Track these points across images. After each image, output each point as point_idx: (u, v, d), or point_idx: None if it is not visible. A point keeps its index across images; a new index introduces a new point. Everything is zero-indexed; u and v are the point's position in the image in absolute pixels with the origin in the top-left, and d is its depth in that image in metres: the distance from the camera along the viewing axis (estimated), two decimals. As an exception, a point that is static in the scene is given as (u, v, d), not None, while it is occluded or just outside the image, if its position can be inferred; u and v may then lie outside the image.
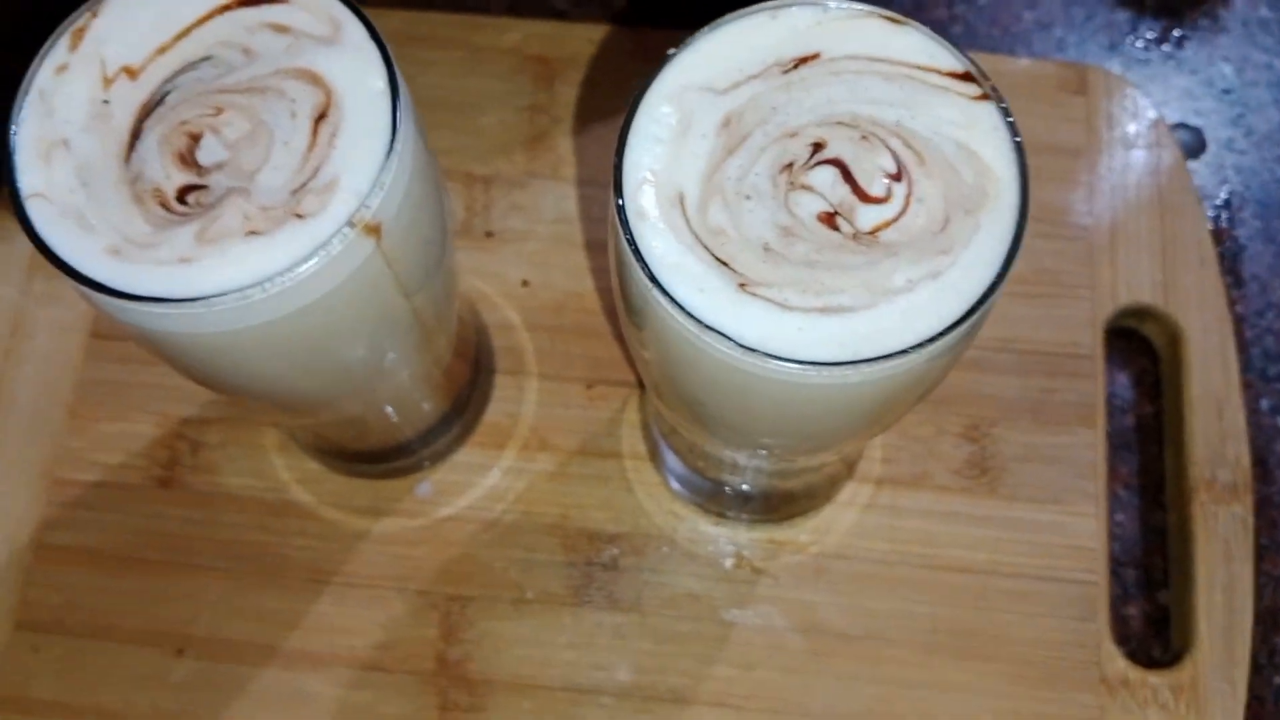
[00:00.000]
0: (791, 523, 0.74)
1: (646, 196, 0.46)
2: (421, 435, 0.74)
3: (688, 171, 0.46)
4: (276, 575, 0.74)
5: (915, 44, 0.47)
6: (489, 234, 0.81)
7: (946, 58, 0.47)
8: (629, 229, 0.45)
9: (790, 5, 0.48)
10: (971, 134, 0.46)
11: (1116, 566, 0.76)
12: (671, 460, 0.74)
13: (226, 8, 0.49)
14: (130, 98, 0.48)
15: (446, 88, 0.85)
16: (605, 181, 0.83)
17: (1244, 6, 0.91)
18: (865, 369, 0.43)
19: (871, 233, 0.45)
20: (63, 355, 0.79)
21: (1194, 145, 0.86)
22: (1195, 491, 0.73)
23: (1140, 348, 0.81)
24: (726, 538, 0.74)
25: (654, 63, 0.85)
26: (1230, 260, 0.83)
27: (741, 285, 0.44)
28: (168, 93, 0.48)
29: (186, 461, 0.77)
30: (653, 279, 0.44)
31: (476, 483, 0.76)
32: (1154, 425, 0.79)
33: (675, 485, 0.75)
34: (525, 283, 0.80)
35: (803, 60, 0.48)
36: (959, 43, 0.89)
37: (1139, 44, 0.89)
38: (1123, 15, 0.90)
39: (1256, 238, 0.84)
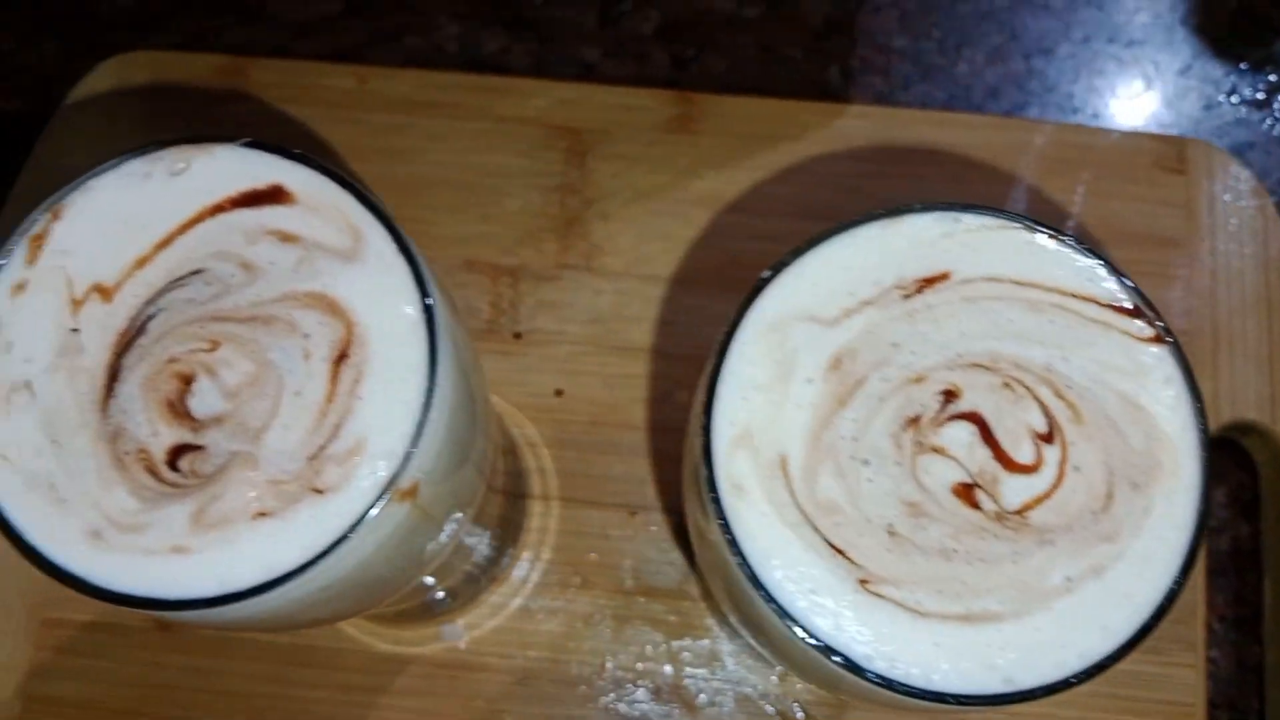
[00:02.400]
0: (859, 672, 0.67)
1: (741, 463, 0.37)
2: (455, 586, 0.66)
3: (791, 428, 0.38)
4: (291, 733, 0.67)
5: (1068, 265, 0.39)
6: (517, 335, 0.73)
7: (1108, 284, 0.38)
8: (722, 509, 0.37)
9: (909, 212, 0.39)
10: (1140, 385, 0.38)
11: (1211, 709, 0.69)
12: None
13: (219, 209, 0.40)
14: (105, 325, 0.39)
15: (466, 165, 0.75)
16: (645, 275, 0.76)
17: (1356, 57, 0.81)
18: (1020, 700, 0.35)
19: (1019, 512, 0.37)
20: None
21: (1301, 223, 0.77)
22: (1301, 633, 0.66)
23: (1238, 459, 0.73)
24: (790, 694, 0.66)
25: (695, 134, 0.77)
26: (1340, 357, 0.75)
27: (862, 582, 0.36)
28: (151, 317, 0.39)
29: (186, 601, 0.69)
30: (753, 579, 0.36)
31: (508, 626, 0.68)
32: (1251, 549, 0.72)
33: (731, 632, 0.67)
34: (558, 392, 0.72)
35: (928, 282, 0.39)
36: (1037, 102, 0.80)
37: (1239, 103, 0.80)
38: (1220, 70, 0.81)
39: (1369, 330, 0.75)
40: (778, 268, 0.39)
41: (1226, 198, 0.73)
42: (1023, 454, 0.37)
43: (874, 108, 0.77)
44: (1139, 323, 0.38)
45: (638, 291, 0.73)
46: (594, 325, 0.73)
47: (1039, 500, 0.37)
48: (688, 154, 0.76)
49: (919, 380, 0.38)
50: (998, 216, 0.39)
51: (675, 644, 0.68)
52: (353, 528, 0.37)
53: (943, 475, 0.37)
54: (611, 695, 0.67)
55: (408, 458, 0.37)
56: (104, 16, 0.84)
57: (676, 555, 0.69)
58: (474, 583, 0.68)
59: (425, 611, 0.68)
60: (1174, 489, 0.36)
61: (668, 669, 0.67)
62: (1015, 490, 0.37)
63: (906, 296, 0.39)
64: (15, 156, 0.78)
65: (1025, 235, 0.39)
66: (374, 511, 0.37)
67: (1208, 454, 0.36)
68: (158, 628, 0.69)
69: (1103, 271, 0.38)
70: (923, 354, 0.38)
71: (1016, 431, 0.37)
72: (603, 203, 0.75)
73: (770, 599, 0.35)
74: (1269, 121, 0.79)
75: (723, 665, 0.67)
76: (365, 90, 0.77)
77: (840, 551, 0.36)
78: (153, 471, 0.38)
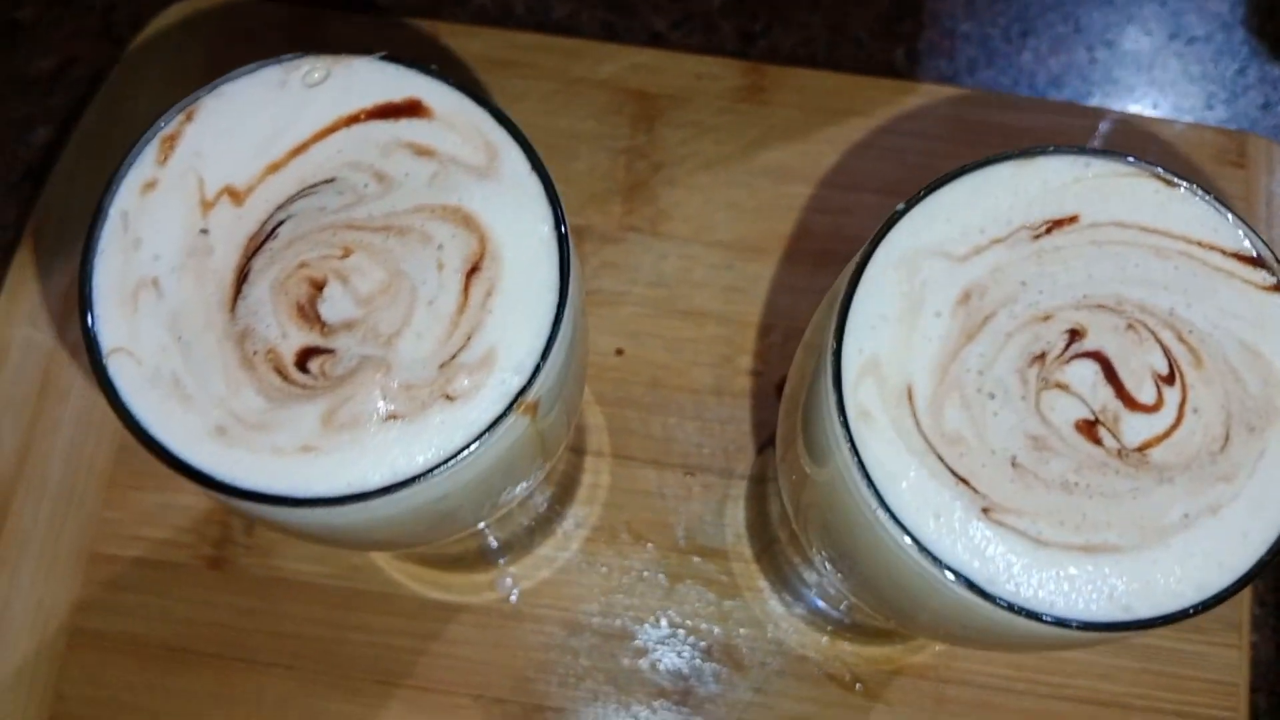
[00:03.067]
0: (911, 642, 0.67)
1: (869, 390, 0.38)
2: (509, 536, 0.66)
3: (919, 358, 0.38)
4: (343, 676, 0.67)
5: (1195, 214, 0.39)
6: (579, 294, 0.73)
7: (1232, 234, 0.39)
8: (849, 433, 0.37)
9: (1042, 154, 0.40)
10: (1261, 333, 0.38)
11: (1250, 691, 0.70)
12: (785, 569, 0.67)
13: (354, 119, 0.40)
14: (235, 228, 0.40)
15: (535, 126, 0.74)
16: (710, 241, 0.76)
17: None
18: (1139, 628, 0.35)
19: (1140, 449, 0.38)
20: (99, 415, 0.70)
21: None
22: (1349, 624, 0.67)
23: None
24: (838, 655, 0.67)
25: (765, 105, 0.77)
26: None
27: (985, 511, 0.37)
28: (281, 223, 0.40)
29: (240, 540, 0.69)
30: (881, 501, 0.36)
31: (560, 580, 0.68)
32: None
33: (785, 595, 0.68)
34: (619, 351, 0.72)
35: (1057, 224, 0.40)
36: (1099, 91, 0.81)
37: (1295, 102, 0.81)
38: (1277, 71, 0.82)
39: None
40: (911, 203, 0.39)
41: (1286, 193, 0.74)
42: (1145, 394, 0.38)
43: (943, 87, 0.77)
44: (1262, 272, 0.39)
45: (702, 257, 0.74)
46: (657, 288, 0.73)
47: (1159, 439, 0.38)
48: (757, 125, 0.76)
49: (1046, 319, 0.39)
50: (1128, 163, 0.39)
51: (727, 604, 0.68)
52: (482, 434, 0.37)
53: (1066, 411, 0.38)
54: (660, 651, 0.67)
55: (536, 371, 0.38)
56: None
57: (730, 517, 0.70)
58: (527, 534, 0.68)
59: (478, 561, 0.68)
60: (1292, 433, 0.37)
61: (717, 629, 0.68)
62: (1136, 429, 0.38)
63: (1036, 237, 0.39)
64: (82, 98, 0.78)
65: (1154, 184, 0.39)
66: (505, 421, 0.37)
67: (1327, 401, 0.37)
68: (209, 565, 0.69)
69: (1228, 222, 0.39)
70: (1050, 293, 0.39)
71: (1139, 372, 0.38)
72: (670, 168, 0.75)
73: (898, 521, 0.36)
74: (1326, 123, 0.81)
75: (775, 626, 0.67)
76: (437, 47, 0.78)
77: (964, 480, 0.37)
78: (281, 372, 0.38)
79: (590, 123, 0.76)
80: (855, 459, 0.37)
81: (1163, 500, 0.37)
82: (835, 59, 0.82)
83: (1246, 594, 0.68)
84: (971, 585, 0.35)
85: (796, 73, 0.77)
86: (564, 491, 0.69)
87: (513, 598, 0.68)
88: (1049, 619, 0.35)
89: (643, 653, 0.67)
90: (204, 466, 0.37)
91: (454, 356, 0.38)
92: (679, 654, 0.67)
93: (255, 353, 0.38)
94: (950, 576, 0.36)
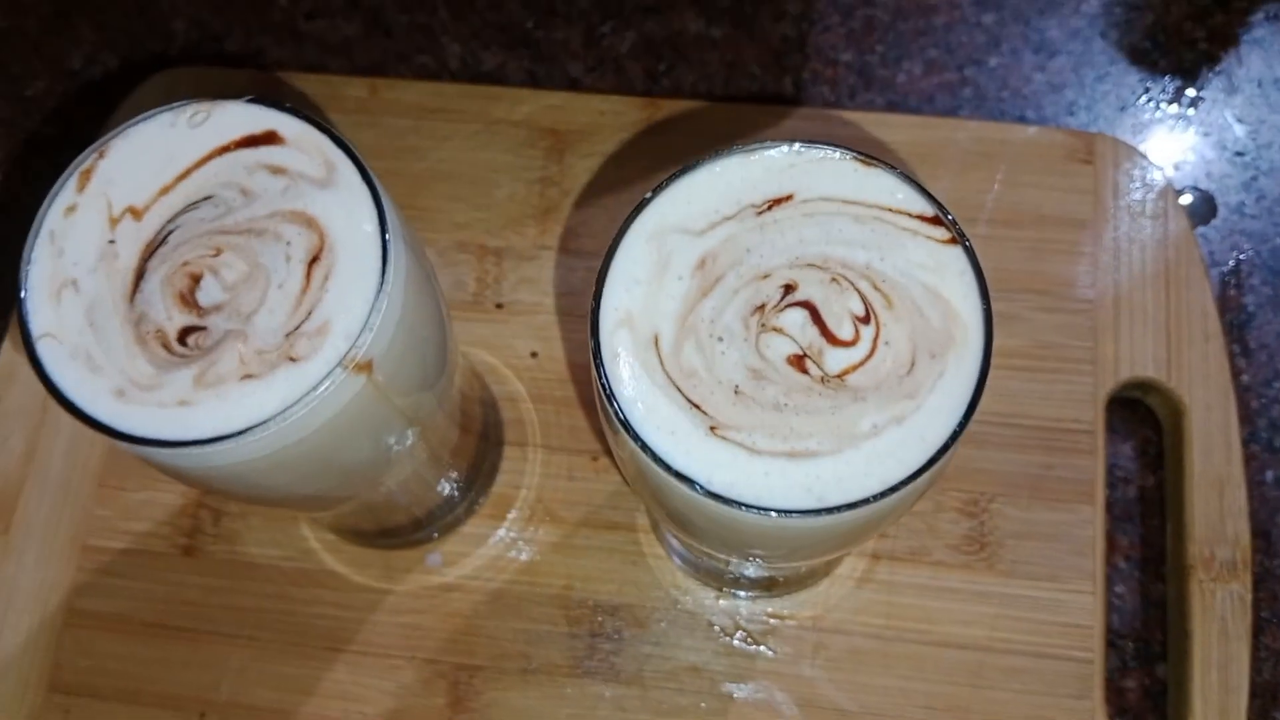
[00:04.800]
0: (791, 596, 0.75)
1: (622, 338, 0.47)
2: (432, 511, 0.76)
3: (664, 312, 0.48)
4: (296, 643, 0.77)
5: (886, 185, 0.48)
6: (499, 305, 0.83)
7: (917, 200, 0.48)
8: (603, 370, 0.47)
9: (765, 147, 0.49)
10: (940, 277, 0.47)
11: (1115, 639, 0.76)
12: (672, 538, 0.76)
13: (226, 149, 0.52)
14: (135, 237, 0.51)
15: (463, 161, 0.87)
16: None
17: (1260, 66, 0.90)
18: (830, 514, 0.44)
19: (839, 376, 0.46)
20: (92, 426, 0.82)
21: (1204, 210, 0.86)
22: (1193, 569, 0.74)
23: (1145, 417, 0.81)
24: (727, 611, 0.75)
25: (660, 134, 0.88)
26: (1238, 329, 0.83)
27: (712, 429, 0.46)
28: (171, 232, 0.51)
29: (209, 530, 0.80)
30: (624, 423, 0.46)
31: (484, 554, 0.78)
32: (1156, 496, 0.79)
33: (677, 560, 0.76)
34: (534, 354, 0.82)
35: (776, 201, 0.49)
36: (969, 106, 0.90)
37: (1151, 105, 0.89)
38: (1135, 76, 0.90)
39: (1266, 305, 0.83)
40: (657, 190, 0.49)
41: (1131, 184, 0.82)
42: (844, 332, 0.47)
43: (818, 110, 0.87)
44: (940, 229, 0.48)
45: (606, 268, 0.84)
46: (566, 297, 0.83)
47: (855, 367, 0.46)
48: (653, 152, 0.87)
49: (765, 277, 0.48)
50: (832, 149, 0.49)
51: (629, 569, 0.77)
52: (316, 385, 0.47)
53: (780, 349, 0.47)
54: (574, 612, 0.76)
55: (361, 335, 0.48)
56: (160, 36, 0.97)
57: (631, 497, 0.79)
58: (453, 514, 0.78)
59: (411, 540, 0.78)
60: (963, 356, 0.46)
61: (622, 591, 0.76)
62: (837, 360, 0.46)
63: (759, 213, 0.49)
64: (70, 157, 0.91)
65: (853, 164, 0.49)
66: (334, 374, 0.47)
67: (989, 328, 0.46)
68: (183, 553, 0.79)
69: (913, 191, 0.48)
70: (769, 257, 0.48)
71: (840, 315, 0.47)
72: (577, 193, 0.86)
73: (637, 438, 0.45)
74: (1177, 120, 0.88)
75: (674, 586, 0.76)
76: (378, 99, 0.89)
77: (696, 406, 0.46)
78: (166, 346, 0.49)
79: (508, 156, 0.87)
80: (607, 392, 0.46)
81: (856, 414, 0.46)
82: (732, 90, 0.92)
83: (1098, 544, 0.75)
84: (697, 485, 0.44)
85: (687, 105, 0.87)
86: (485, 475, 0.79)
87: (442, 571, 0.78)
88: (754, 509, 0.44)
89: (555, 615, 0.76)
90: (108, 420, 0.48)
91: (298, 327, 0.48)
92: (587, 615, 0.76)
93: (148, 332, 0.49)
94: (681, 482, 0.45)
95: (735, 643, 0.75)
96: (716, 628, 0.75)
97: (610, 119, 0.88)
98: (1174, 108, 0.89)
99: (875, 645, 0.74)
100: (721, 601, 0.76)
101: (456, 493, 0.77)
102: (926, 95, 0.90)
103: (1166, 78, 0.90)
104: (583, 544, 0.78)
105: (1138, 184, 0.82)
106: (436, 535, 0.78)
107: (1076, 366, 0.79)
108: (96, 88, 0.96)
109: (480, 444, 0.79)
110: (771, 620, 0.75)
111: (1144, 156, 0.83)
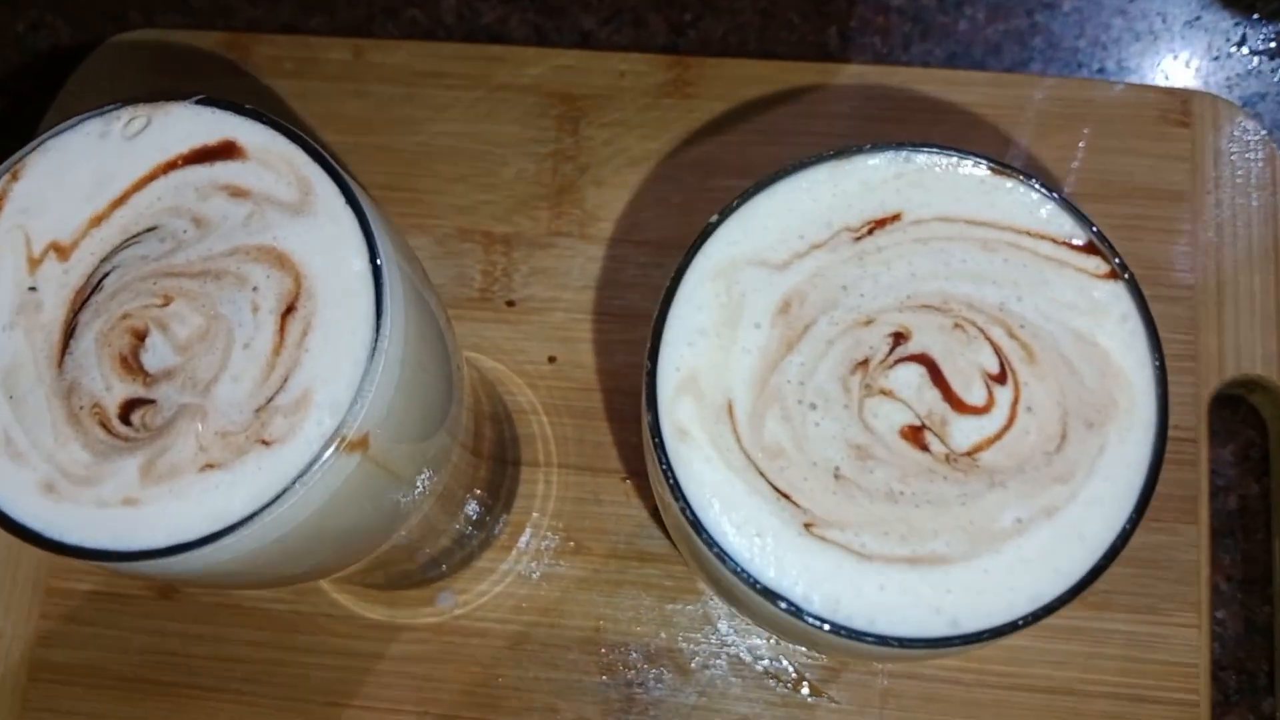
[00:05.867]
0: (854, 636, 0.66)
1: (685, 408, 0.37)
2: (445, 548, 0.67)
3: (738, 372, 0.37)
4: (291, 698, 0.68)
5: (1022, 202, 0.38)
6: (510, 303, 0.73)
7: (1064, 221, 0.37)
8: (664, 453, 0.36)
9: (860, 152, 0.39)
10: (1096, 322, 0.37)
11: (1217, 670, 0.68)
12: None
13: (173, 165, 0.40)
14: (62, 283, 0.40)
15: (462, 134, 0.75)
16: (638, 240, 0.76)
17: (1374, 3, 0.78)
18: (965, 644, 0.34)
19: (969, 454, 0.36)
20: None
21: (1314, 175, 0.75)
22: (1311, 594, 0.65)
23: (1248, 417, 0.71)
24: (782, 655, 0.66)
25: (690, 98, 0.76)
26: (1355, 313, 0.72)
27: (807, 525, 0.36)
28: (106, 275, 0.40)
29: (188, 569, 0.70)
30: (695, 523, 0.35)
31: (502, 591, 0.68)
32: (1260, 507, 0.70)
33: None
34: (551, 359, 0.72)
35: (879, 223, 0.38)
36: (1041, 58, 0.78)
37: (1250, 55, 0.78)
38: (1230, 20, 0.78)
39: (1386, 285, 0.73)
40: (725, 212, 0.38)
41: (1233, 150, 0.71)
42: (973, 395, 0.36)
43: (870, 67, 0.76)
44: (1095, 259, 0.37)
45: (631, 257, 0.73)
46: (587, 291, 0.73)
47: (990, 442, 0.36)
48: (682, 119, 0.75)
49: (868, 323, 0.38)
50: (950, 155, 0.38)
51: (668, 607, 0.68)
52: (298, 478, 0.37)
53: (890, 418, 0.37)
54: (603, 658, 0.67)
55: (353, 408, 0.38)
56: (107, -3, 0.85)
57: (670, 520, 0.69)
58: (466, 549, 0.68)
59: (420, 579, 0.69)
60: (1129, 426, 0.36)
61: (661, 633, 0.67)
62: (965, 432, 0.36)
63: (857, 239, 0.38)
64: (21, 138, 0.79)
65: (978, 173, 0.38)
66: (321, 462, 0.37)
67: (1163, 389, 0.35)
68: (159, 595, 0.70)
69: (1057, 209, 0.37)
70: (872, 296, 0.38)
71: (967, 372, 0.37)
72: (596, 169, 0.75)
73: (712, 543, 0.35)
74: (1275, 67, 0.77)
75: (715, 629, 0.67)
76: (363, 62, 0.78)
77: (785, 495, 0.36)
78: (105, 425, 0.38)
79: (515, 128, 0.75)
80: (669, 480, 0.36)
81: (993, 505, 0.36)
82: (767, 44, 0.80)
83: (1203, 570, 0.66)
84: (791, 606, 0.35)
85: (719, 63, 0.76)
86: (501, 503, 0.69)
87: (456, 611, 0.68)
88: (870, 638, 0.34)
89: (585, 661, 0.67)
90: (34, 524, 0.37)
91: (270, 400, 0.38)
92: (622, 660, 0.67)
93: (81, 407, 0.39)
94: (770, 600, 0.35)
95: (792, 692, 0.65)
96: (770, 675, 0.66)
97: (631, 80, 0.76)
98: (1278, 59, 0.77)
99: (953, 691, 0.65)
100: (773, 643, 0.66)
101: (470, 527, 0.67)
102: (992, 45, 0.79)
103: (1266, 22, 0.78)
104: (614, 578, 0.68)
105: (1242, 149, 0.71)
106: (445, 569, 0.69)
107: (1175, 364, 0.67)
108: (45, 59, 0.84)
109: (494, 467, 0.69)
110: (833, 664, 0.66)
111: (1251, 116, 0.72)
